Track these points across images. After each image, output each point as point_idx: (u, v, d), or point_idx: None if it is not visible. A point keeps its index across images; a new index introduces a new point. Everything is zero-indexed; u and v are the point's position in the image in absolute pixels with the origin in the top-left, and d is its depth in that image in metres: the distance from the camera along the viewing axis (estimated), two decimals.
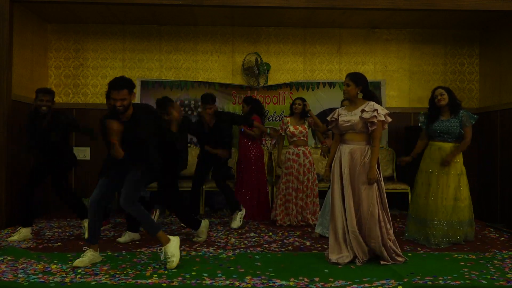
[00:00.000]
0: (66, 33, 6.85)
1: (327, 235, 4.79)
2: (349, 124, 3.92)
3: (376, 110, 3.85)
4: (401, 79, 7.02)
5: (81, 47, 6.87)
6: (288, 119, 5.74)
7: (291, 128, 5.60)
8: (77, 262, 3.69)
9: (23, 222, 4.81)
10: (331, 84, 6.91)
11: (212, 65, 6.95)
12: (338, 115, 4.04)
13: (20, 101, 5.85)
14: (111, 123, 3.59)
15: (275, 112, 6.92)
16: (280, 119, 6.89)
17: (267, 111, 6.83)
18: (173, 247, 3.70)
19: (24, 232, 4.76)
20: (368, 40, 6.99)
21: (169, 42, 6.92)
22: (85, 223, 4.80)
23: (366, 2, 5.55)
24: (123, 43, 6.90)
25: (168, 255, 3.67)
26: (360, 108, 3.93)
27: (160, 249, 3.76)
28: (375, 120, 3.84)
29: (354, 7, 5.61)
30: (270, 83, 6.91)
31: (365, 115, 3.86)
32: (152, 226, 3.80)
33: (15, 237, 4.70)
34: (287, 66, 6.98)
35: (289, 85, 6.92)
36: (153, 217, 5.67)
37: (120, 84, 3.60)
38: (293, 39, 6.97)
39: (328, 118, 4.16)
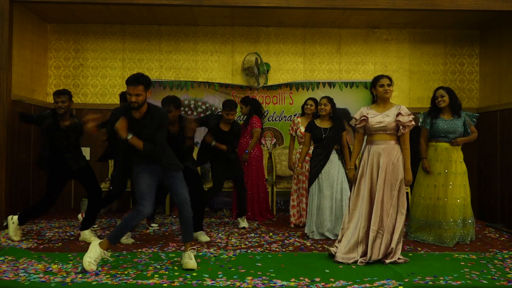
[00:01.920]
0: (66, 33, 6.84)
1: (316, 237, 4.85)
2: (382, 125, 3.97)
3: (411, 114, 3.97)
4: (401, 79, 7.03)
5: (81, 47, 6.86)
6: (299, 119, 5.68)
7: (302, 129, 5.52)
8: (90, 266, 3.61)
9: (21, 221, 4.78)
10: (331, 84, 6.90)
11: (212, 65, 6.95)
12: (367, 115, 4.05)
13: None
14: (119, 123, 3.57)
15: (275, 112, 6.92)
16: (280, 119, 6.90)
17: (266, 111, 6.83)
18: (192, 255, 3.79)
19: (16, 229, 4.71)
20: (368, 40, 6.99)
21: (169, 42, 6.92)
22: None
23: (366, 2, 5.55)
24: (123, 43, 6.90)
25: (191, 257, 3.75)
26: (391, 110, 4.00)
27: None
28: (410, 124, 3.94)
29: (354, 7, 5.61)
30: (270, 83, 6.90)
31: (402, 119, 3.92)
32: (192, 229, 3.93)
33: (17, 237, 4.68)
34: (287, 66, 6.99)
35: (289, 85, 6.92)
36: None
37: (136, 80, 3.59)
38: (293, 39, 6.97)
39: (357, 117, 4.11)
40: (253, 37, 6.96)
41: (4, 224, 4.90)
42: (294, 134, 5.71)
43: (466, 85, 7.01)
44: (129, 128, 3.66)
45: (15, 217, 4.71)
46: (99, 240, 3.70)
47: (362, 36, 6.99)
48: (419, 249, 4.44)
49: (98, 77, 6.86)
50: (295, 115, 6.80)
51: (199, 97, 6.86)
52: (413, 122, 3.96)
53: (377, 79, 4.11)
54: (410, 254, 4.17)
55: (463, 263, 3.89)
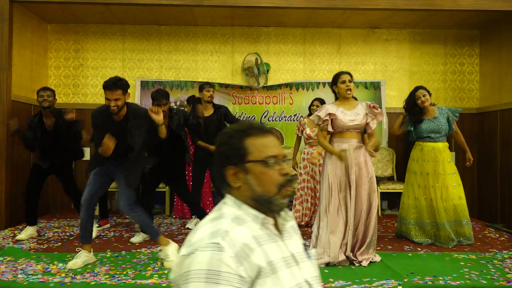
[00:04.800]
0: (66, 33, 6.84)
1: None
2: (356, 123, 3.94)
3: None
4: (401, 79, 7.02)
5: (81, 47, 6.86)
6: (306, 120, 5.64)
7: (308, 130, 5.47)
8: (71, 265, 3.64)
9: (28, 221, 4.83)
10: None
11: (212, 65, 6.95)
12: (335, 112, 3.95)
13: (20, 101, 5.85)
14: (109, 142, 3.54)
15: (275, 112, 6.92)
16: (280, 119, 6.89)
17: (266, 111, 6.83)
18: (172, 249, 3.76)
19: (30, 230, 4.80)
20: (368, 40, 6.99)
21: (169, 42, 6.91)
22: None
23: (366, 2, 5.54)
24: (123, 43, 6.90)
25: (167, 255, 3.73)
26: (358, 108, 3.99)
27: (160, 250, 3.79)
28: (380, 119, 4.01)
29: (354, 7, 5.61)
30: (270, 83, 6.90)
31: (379, 115, 3.97)
32: (153, 230, 3.89)
33: (22, 235, 4.72)
34: (287, 66, 6.98)
35: (289, 85, 6.91)
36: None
37: (115, 84, 3.56)
38: (293, 39, 6.97)
39: (323, 115, 3.96)
40: (253, 37, 6.96)
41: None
42: (300, 135, 5.67)
43: (466, 85, 6.99)
44: (111, 130, 3.64)
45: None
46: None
47: (362, 36, 6.98)
48: (418, 249, 4.43)
49: (98, 77, 6.86)
50: (295, 115, 6.81)
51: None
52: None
53: (338, 75, 4.02)
54: (410, 254, 4.16)
55: (463, 263, 3.88)
